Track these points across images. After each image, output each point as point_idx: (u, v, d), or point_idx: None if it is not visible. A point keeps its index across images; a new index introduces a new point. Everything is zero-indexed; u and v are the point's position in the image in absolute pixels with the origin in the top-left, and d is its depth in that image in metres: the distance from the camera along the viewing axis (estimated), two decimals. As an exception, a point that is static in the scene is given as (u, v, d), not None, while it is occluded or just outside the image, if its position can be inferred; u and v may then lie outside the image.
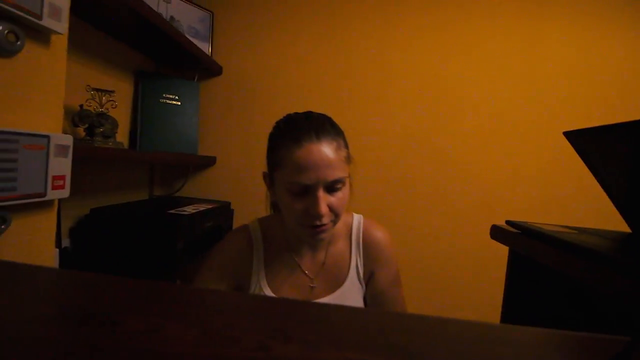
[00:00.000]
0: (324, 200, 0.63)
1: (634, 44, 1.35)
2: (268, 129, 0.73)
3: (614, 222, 0.57)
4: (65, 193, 0.66)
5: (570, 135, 0.51)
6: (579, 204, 1.36)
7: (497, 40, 1.41)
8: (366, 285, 0.77)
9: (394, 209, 1.46)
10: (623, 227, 0.55)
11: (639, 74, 1.35)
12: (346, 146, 0.69)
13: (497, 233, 0.59)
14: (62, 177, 0.65)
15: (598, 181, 0.53)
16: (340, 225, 0.75)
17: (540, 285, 0.56)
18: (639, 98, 1.35)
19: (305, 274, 0.75)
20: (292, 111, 0.73)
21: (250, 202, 1.52)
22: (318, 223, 0.64)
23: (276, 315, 0.25)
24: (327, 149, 0.63)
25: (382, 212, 1.45)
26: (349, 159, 0.69)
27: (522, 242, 0.52)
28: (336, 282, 0.75)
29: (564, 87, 1.38)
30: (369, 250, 0.77)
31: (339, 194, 0.65)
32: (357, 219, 0.80)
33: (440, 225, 1.45)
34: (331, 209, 0.65)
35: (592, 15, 1.36)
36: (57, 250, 0.88)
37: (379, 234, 0.79)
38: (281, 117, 0.73)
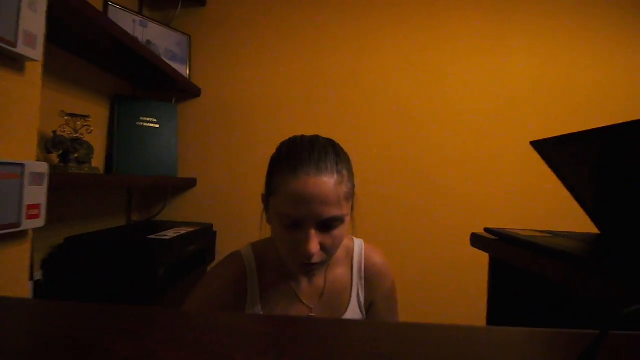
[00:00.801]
0: (316, 238, 0.58)
1: (592, 57, 1.46)
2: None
3: (586, 224, 0.60)
4: (40, 222, 0.64)
5: (537, 145, 0.54)
6: (552, 208, 1.43)
7: (468, 59, 1.49)
8: (366, 313, 0.73)
9: (376, 224, 1.48)
10: (594, 229, 0.58)
11: (597, 84, 1.46)
12: (350, 180, 0.63)
13: (476, 241, 0.61)
14: (37, 206, 0.63)
15: (565, 187, 0.56)
16: (340, 250, 0.68)
17: (521, 288, 0.58)
18: (598, 106, 1.45)
19: (304, 303, 0.70)
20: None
21: (233, 224, 1.50)
22: (306, 262, 0.59)
23: (268, 332, 0.26)
24: (325, 184, 0.57)
25: (365, 228, 1.46)
26: (351, 195, 0.63)
27: (501, 248, 0.54)
28: (337, 311, 0.71)
29: (529, 100, 1.47)
30: (372, 278, 0.73)
31: (335, 232, 0.60)
32: (358, 244, 0.76)
33: (422, 236, 1.47)
34: (323, 247, 0.60)
35: (553, 30, 1.48)
36: (32, 282, 0.83)
37: (382, 262, 0.75)
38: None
